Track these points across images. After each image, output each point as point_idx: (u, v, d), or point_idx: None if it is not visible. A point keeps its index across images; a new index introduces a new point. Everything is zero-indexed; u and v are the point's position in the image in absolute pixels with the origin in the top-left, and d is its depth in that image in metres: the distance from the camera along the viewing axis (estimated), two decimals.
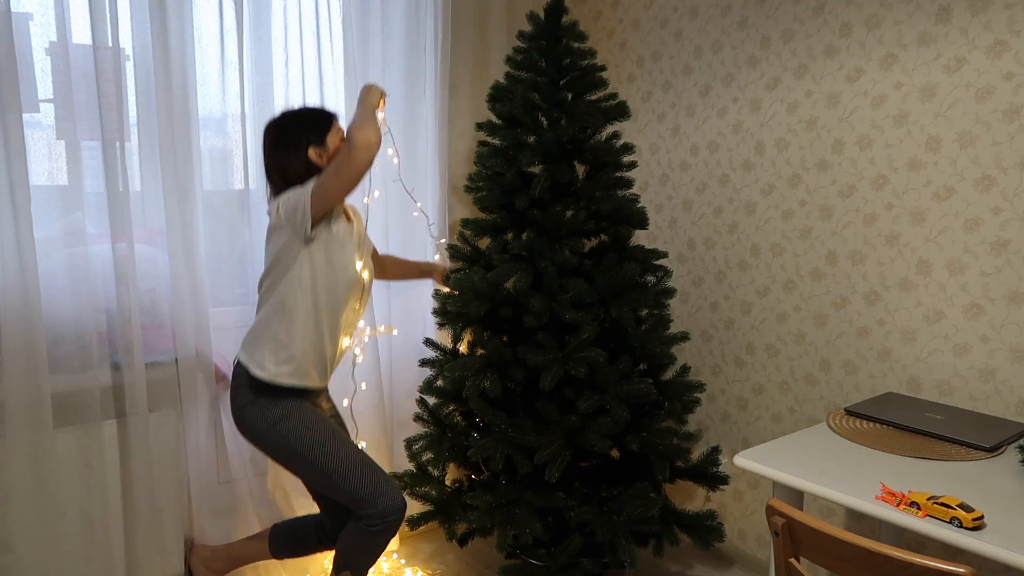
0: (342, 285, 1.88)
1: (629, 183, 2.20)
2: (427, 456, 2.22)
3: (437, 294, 2.29)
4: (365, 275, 1.97)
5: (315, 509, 2.25)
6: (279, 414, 1.86)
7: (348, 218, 1.94)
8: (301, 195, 1.78)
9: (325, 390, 2.07)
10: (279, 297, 1.85)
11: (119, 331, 1.97)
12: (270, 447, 1.88)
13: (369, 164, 1.75)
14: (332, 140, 1.89)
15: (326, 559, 2.39)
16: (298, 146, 1.86)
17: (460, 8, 2.53)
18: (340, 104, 2.37)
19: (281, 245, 1.83)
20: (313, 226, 1.80)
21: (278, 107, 2.23)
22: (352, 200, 2.22)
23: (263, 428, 1.86)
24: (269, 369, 1.85)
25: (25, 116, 1.79)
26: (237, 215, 2.18)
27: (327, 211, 1.81)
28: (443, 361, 2.22)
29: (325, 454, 1.85)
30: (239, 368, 1.90)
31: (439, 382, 2.28)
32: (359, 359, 2.38)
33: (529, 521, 1.98)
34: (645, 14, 2.68)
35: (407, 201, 2.49)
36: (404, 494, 2.28)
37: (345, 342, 1.98)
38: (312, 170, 1.87)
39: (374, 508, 1.83)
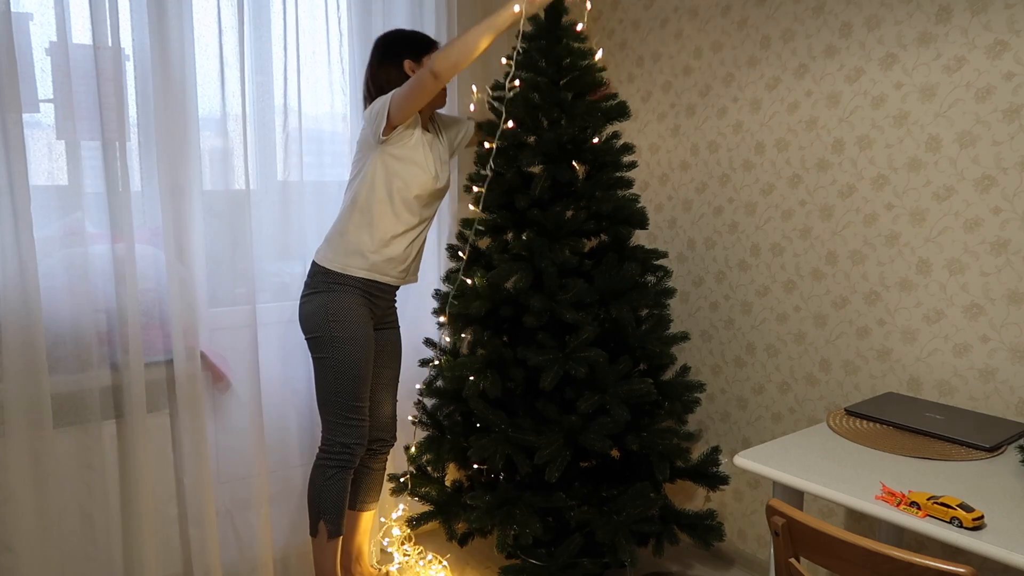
0: (414, 187, 2.03)
1: (629, 183, 2.20)
2: (426, 457, 2.22)
3: (437, 294, 2.29)
4: (439, 182, 2.12)
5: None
6: (339, 313, 2.02)
7: (430, 128, 2.14)
8: (384, 100, 1.96)
9: (393, 308, 2.25)
10: (353, 196, 2.04)
11: (117, 331, 1.97)
12: (315, 338, 2.04)
13: (433, 91, 1.91)
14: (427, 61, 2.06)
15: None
16: (398, 59, 2.05)
17: (461, 8, 2.52)
18: (342, 104, 2.37)
19: (362, 150, 2.04)
20: (391, 129, 1.97)
21: (278, 107, 2.23)
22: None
23: (321, 318, 2.01)
24: (339, 260, 2.03)
25: (25, 116, 1.79)
26: (237, 215, 2.18)
27: (406, 118, 1.97)
28: (443, 361, 2.22)
29: (340, 377, 2.02)
30: (312, 267, 2.08)
31: (439, 382, 2.28)
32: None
33: (529, 521, 1.98)
34: (645, 14, 2.68)
35: None
36: (405, 494, 2.29)
37: (414, 247, 2.13)
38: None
39: (332, 437, 2.06)
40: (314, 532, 2.10)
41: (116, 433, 2.00)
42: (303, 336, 2.12)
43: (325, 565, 2.11)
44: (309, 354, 2.12)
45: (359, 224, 2.03)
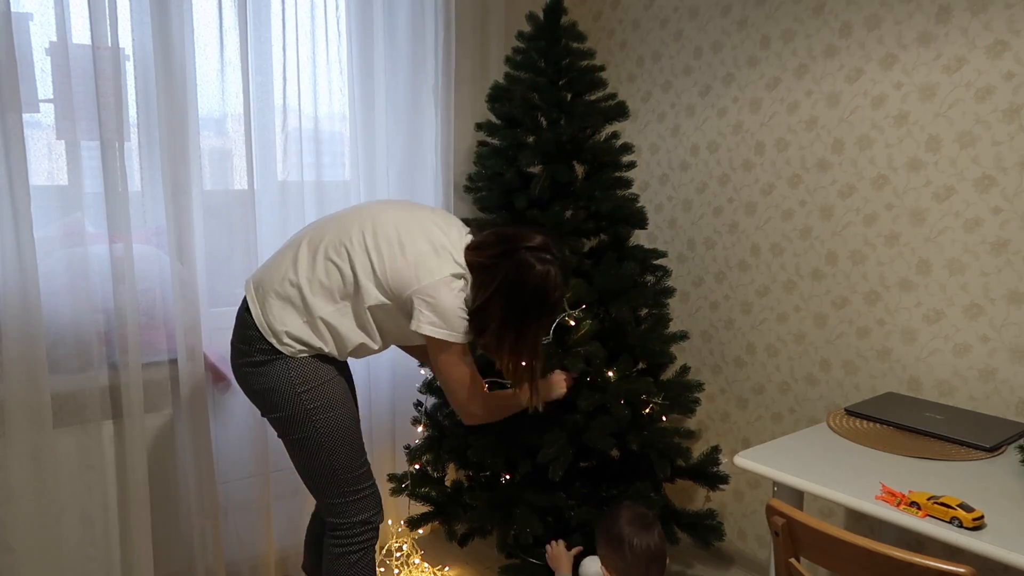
0: (360, 339, 1.70)
1: (628, 183, 2.20)
2: (426, 457, 2.22)
3: None
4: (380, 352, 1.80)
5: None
6: (306, 377, 1.64)
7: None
8: (455, 332, 1.63)
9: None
10: (331, 296, 1.65)
11: (116, 331, 1.97)
12: (282, 419, 1.67)
13: (455, 400, 1.74)
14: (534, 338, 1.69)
15: None
16: (522, 318, 1.64)
17: (461, 8, 2.52)
18: (342, 104, 2.37)
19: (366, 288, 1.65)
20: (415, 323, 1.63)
21: (278, 107, 2.22)
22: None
23: (285, 391, 1.63)
24: (290, 331, 1.64)
25: (25, 116, 1.79)
26: (237, 215, 2.18)
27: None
28: None
29: (333, 449, 1.68)
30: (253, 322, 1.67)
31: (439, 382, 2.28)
32: None
33: (529, 520, 1.98)
34: (645, 14, 2.68)
35: None
36: (404, 495, 2.29)
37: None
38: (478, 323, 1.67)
39: (345, 519, 1.72)
40: None
41: (116, 433, 2.00)
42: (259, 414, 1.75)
43: None
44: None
45: (317, 326, 1.67)
